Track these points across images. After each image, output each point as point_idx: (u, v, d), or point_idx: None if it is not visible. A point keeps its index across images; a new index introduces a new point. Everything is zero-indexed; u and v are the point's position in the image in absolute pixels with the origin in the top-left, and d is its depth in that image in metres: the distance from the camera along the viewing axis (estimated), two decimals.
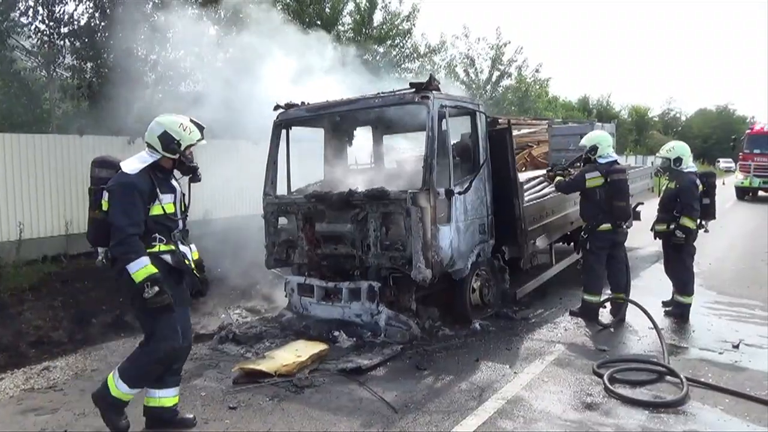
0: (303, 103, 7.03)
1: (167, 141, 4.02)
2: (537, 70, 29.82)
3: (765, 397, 4.47)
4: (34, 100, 12.14)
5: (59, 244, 9.65)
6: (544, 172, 8.52)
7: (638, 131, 57.51)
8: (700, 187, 6.60)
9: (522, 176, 8.05)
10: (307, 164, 7.94)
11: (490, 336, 6.19)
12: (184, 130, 4.09)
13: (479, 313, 6.62)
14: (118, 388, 3.97)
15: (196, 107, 10.87)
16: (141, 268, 3.76)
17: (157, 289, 3.77)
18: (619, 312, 6.63)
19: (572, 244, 8.64)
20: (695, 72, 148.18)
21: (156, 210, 3.95)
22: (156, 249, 3.94)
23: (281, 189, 7.13)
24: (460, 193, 6.15)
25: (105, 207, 3.88)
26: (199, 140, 4.14)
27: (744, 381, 4.83)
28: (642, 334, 6.13)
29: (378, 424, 4.17)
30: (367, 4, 19.13)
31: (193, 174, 4.20)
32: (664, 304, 7.01)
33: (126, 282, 3.81)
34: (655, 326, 5.89)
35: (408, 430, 4.07)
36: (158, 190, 3.96)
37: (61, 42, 10.56)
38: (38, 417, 4.47)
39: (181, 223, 4.16)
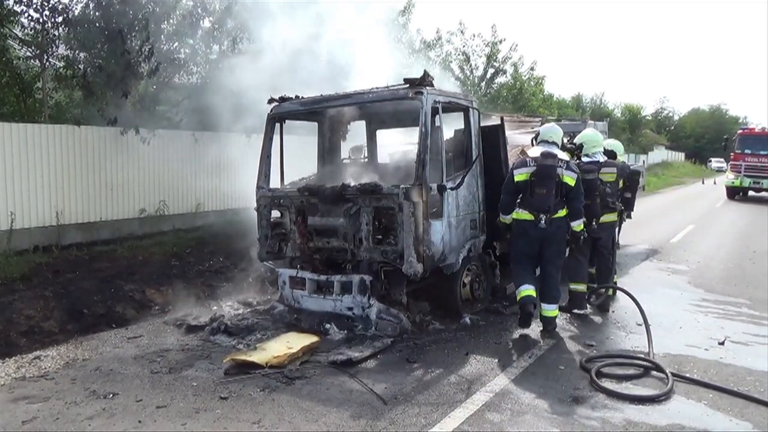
0: (297, 96, 7.03)
1: (561, 139, 6.39)
2: (532, 68, 29.93)
3: (748, 392, 4.56)
4: (26, 90, 12.03)
5: (51, 234, 9.62)
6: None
7: (631, 130, 57.72)
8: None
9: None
10: (299, 157, 7.96)
11: (479, 330, 6.25)
12: None
13: (469, 307, 6.68)
14: (551, 309, 6.08)
15: (190, 99, 10.88)
16: (582, 224, 6.13)
17: (585, 236, 6.30)
18: (604, 302, 6.92)
19: None
20: (688, 72, 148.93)
21: None
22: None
23: (274, 182, 7.14)
24: (452, 189, 6.19)
25: (572, 183, 5.93)
26: None
27: (728, 377, 4.92)
28: (629, 330, 6.21)
29: (367, 415, 4.21)
30: None
31: None
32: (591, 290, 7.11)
33: (566, 232, 6.07)
34: (645, 319, 5.91)
35: (397, 421, 4.12)
36: None
37: (56, 31, 10.47)
38: (30, 405, 4.49)
39: None
